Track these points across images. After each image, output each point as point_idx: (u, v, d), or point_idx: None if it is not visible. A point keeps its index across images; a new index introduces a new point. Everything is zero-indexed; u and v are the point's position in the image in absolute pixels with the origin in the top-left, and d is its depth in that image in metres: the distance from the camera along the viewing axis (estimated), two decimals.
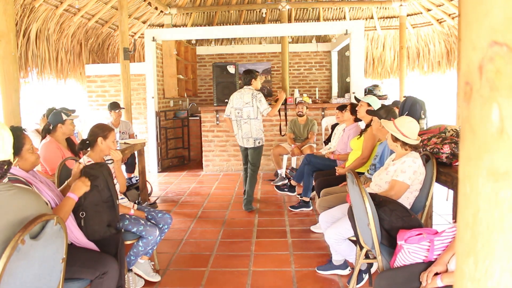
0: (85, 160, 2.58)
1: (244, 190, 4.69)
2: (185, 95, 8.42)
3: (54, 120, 3.45)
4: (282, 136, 6.46)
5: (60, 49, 6.45)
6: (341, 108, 4.55)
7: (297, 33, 8.15)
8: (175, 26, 9.03)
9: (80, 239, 2.15)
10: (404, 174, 2.41)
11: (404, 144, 2.46)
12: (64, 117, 3.45)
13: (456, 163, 2.67)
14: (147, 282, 2.82)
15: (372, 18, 9.14)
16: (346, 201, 2.73)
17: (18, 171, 2.00)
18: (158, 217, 2.82)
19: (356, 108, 3.79)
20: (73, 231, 2.13)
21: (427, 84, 10.09)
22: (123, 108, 5.58)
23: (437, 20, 8.16)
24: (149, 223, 2.70)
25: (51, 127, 3.47)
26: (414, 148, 2.49)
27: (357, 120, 4.05)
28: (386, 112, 2.97)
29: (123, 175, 2.82)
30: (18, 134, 1.99)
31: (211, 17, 9.41)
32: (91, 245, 2.18)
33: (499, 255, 0.45)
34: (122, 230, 2.61)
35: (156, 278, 2.87)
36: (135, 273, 2.79)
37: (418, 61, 9.17)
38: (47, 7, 5.86)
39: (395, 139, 2.48)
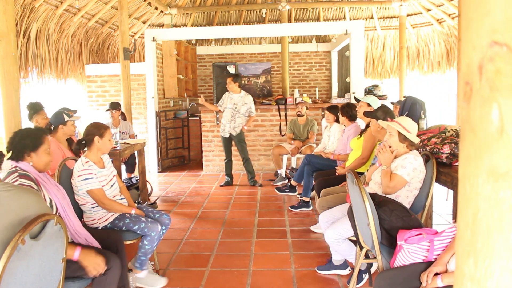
0: (83, 160, 2.58)
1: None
2: (185, 95, 8.42)
3: (56, 121, 3.46)
4: (282, 136, 6.47)
5: (60, 49, 6.45)
6: (331, 108, 4.55)
7: (297, 33, 8.14)
8: (175, 26, 9.03)
9: (80, 230, 2.17)
10: (403, 169, 2.41)
11: (410, 144, 2.46)
12: (66, 118, 3.45)
13: (456, 163, 2.67)
14: None
15: (372, 18, 9.14)
16: (346, 201, 2.73)
17: (29, 168, 2.05)
18: (156, 217, 2.82)
19: (356, 109, 3.79)
20: (72, 219, 2.15)
21: (427, 84, 10.09)
22: (117, 110, 5.51)
23: (437, 20, 8.16)
24: (149, 219, 2.69)
25: (52, 128, 3.47)
26: (416, 148, 2.51)
27: (352, 119, 4.03)
28: (384, 113, 2.96)
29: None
30: (40, 133, 2.17)
31: (211, 17, 9.40)
32: (91, 238, 2.19)
33: (499, 255, 0.45)
34: (124, 228, 2.63)
35: (162, 283, 2.80)
36: None
37: (418, 61, 9.17)
38: (47, 7, 5.86)
39: (404, 139, 2.47)
